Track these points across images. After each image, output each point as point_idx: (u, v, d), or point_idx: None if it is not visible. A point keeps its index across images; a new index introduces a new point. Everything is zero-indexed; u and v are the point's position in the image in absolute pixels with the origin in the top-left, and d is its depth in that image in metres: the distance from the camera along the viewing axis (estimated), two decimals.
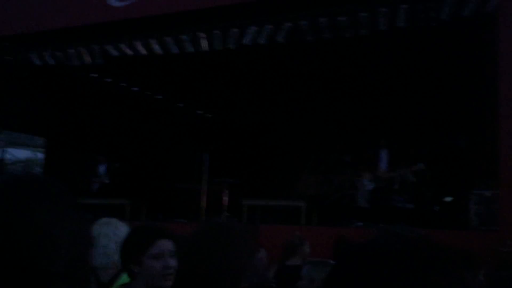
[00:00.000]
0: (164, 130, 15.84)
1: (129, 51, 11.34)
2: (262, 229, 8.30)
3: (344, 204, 13.99)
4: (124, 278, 3.26)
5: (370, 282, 0.86)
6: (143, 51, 11.22)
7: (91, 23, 11.30)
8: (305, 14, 9.89)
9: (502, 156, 8.08)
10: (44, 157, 15.00)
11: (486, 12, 8.78)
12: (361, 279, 0.87)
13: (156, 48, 11.10)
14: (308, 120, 16.04)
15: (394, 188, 10.25)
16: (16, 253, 0.88)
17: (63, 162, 13.67)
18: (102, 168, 13.17)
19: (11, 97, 12.87)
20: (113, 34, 11.48)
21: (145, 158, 15.04)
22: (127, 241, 2.86)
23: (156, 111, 15.70)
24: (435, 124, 14.12)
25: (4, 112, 13.09)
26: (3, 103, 12.73)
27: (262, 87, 14.13)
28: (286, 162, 15.81)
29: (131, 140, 14.94)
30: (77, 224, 0.95)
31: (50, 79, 13.12)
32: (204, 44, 10.76)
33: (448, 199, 12.16)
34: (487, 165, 9.99)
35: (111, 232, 3.38)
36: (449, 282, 0.87)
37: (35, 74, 12.65)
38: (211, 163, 12.22)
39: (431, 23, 9.51)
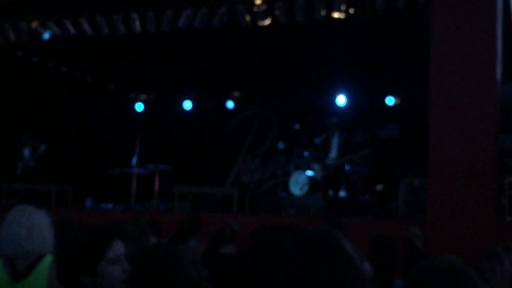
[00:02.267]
0: (94, 113, 15.39)
1: (57, 30, 10.87)
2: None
3: (277, 192, 14.03)
4: (46, 262, 3.21)
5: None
6: (72, 30, 10.77)
7: None
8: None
9: (431, 146, 8.24)
10: None
11: (419, 3, 8.91)
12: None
13: (86, 27, 10.68)
14: (243, 106, 15.98)
15: (344, 175, 10.32)
16: None
17: None
18: (26, 151, 12.60)
19: None
20: (41, 11, 10.98)
21: (74, 142, 14.56)
22: (73, 250, 2.41)
23: (86, 93, 15.19)
24: (368, 113, 14.36)
25: None
26: None
27: (196, 71, 13.91)
28: (219, 149, 15.71)
29: (59, 123, 14.42)
30: None
31: None
32: (137, 25, 10.43)
33: (379, 187, 12.38)
34: (417, 155, 10.21)
35: (24, 220, 3.26)
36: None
37: None
38: (143, 148, 11.95)
39: (366, 12, 9.60)
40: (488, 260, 3.29)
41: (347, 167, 11.30)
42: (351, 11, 9.55)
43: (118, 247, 2.38)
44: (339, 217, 6.65)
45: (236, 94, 15.93)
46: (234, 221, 6.65)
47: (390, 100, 14.13)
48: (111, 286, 2.31)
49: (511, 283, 3.18)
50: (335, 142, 10.17)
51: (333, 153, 10.12)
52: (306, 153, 11.36)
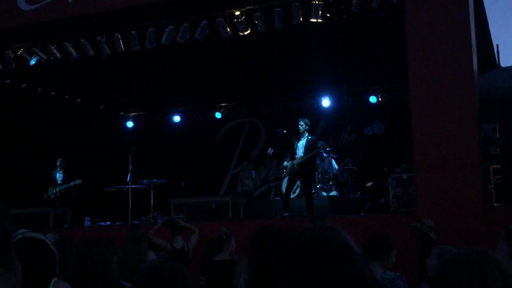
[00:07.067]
0: (86, 133, 15.50)
1: (43, 55, 11.04)
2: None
3: (270, 196, 14.24)
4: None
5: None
6: (58, 54, 10.94)
7: (3, 27, 10.93)
8: (221, 12, 9.97)
9: (415, 140, 8.46)
10: None
11: (393, 3, 9.13)
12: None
13: (72, 51, 10.85)
14: (230, 115, 16.18)
15: (306, 172, 10.55)
16: None
17: None
18: None
19: None
20: (25, 38, 11.16)
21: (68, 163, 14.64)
22: None
23: (76, 115, 15.32)
24: (352, 113, 14.59)
25: None
26: None
27: (183, 84, 14.11)
28: (211, 159, 15.88)
29: (52, 145, 14.51)
30: None
31: None
32: (121, 45, 10.62)
33: (369, 184, 12.60)
34: (403, 150, 10.43)
35: None
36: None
37: None
38: (136, 165, 12.08)
39: (342, 15, 9.86)
40: None
41: (321, 163, 11.69)
42: (328, 15, 9.81)
43: None
44: (321, 215, 6.85)
45: (223, 104, 16.14)
46: (228, 228, 6.84)
47: (373, 99, 14.36)
48: None
49: None
50: (302, 142, 10.53)
51: (300, 152, 10.49)
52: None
